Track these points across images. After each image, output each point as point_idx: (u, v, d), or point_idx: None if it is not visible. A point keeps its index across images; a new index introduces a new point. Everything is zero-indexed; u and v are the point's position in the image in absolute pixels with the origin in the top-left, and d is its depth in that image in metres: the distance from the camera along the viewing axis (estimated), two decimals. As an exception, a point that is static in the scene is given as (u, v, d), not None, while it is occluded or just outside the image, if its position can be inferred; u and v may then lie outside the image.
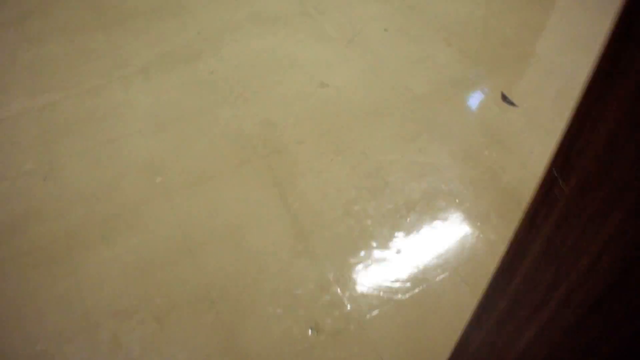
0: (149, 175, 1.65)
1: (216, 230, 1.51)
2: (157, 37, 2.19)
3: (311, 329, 1.31)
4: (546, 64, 2.13)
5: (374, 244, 1.49)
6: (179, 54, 2.10)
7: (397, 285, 1.40)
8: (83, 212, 1.56)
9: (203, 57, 2.08)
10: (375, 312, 1.34)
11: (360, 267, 1.44)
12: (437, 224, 1.55)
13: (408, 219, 1.55)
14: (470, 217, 1.57)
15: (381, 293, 1.38)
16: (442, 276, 1.42)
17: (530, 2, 2.47)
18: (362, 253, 1.47)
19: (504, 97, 1.95)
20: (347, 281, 1.41)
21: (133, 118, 1.84)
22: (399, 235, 1.51)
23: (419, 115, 1.85)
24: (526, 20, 2.38)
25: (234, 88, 1.94)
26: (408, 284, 1.40)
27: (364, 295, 1.38)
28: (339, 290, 1.39)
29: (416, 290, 1.39)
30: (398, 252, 1.47)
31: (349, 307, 1.36)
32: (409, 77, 2.01)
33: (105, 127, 1.81)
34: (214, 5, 2.36)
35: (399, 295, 1.38)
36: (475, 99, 1.93)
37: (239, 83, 1.96)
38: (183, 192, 1.60)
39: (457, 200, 1.61)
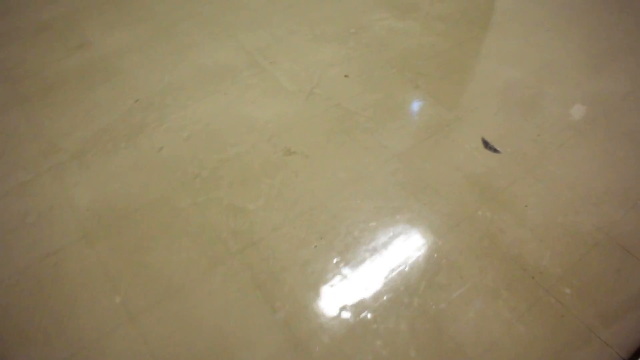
0: (105, 295, 1.44)
1: (198, 356, 1.33)
2: (89, 111, 1.96)
3: None
4: (520, 97, 2.09)
5: (381, 347, 1.36)
6: (118, 129, 1.89)
7: (416, 396, 1.28)
8: (33, 356, 1.33)
9: (147, 130, 1.88)
10: None
11: (371, 379, 1.31)
12: (445, 309, 1.44)
13: (413, 307, 1.44)
14: (479, 294, 1.48)
15: (401, 409, 1.26)
16: (463, 376, 1.32)
17: (490, 29, 2.44)
18: (370, 358, 1.34)
19: (486, 144, 1.88)
20: (360, 400, 1.27)
21: (73, 220, 1.62)
22: (407, 328, 1.39)
23: (402, 178, 1.75)
24: (490, 48, 2.34)
25: (188, 167, 1.75)
26: (429, 393, 1.28)
27: (382, 416, 1.25)
28: (353, 414, 1.25)
29: (439, 399, 1.28)
30: (410, 351, 1.35)
31: None
32: (382, 131, 1.90)
33: (40, 237, 1.58)
34: (149, 64, 2.16)
35: (422, 409, 1.26)
36: (456, 150, 1.85)
37: (194, 159, 1.78)
38: (150, 312, 1.41)
39: (460, 276, 1.51)
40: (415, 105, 2.00)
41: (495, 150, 1.87)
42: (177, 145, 1.82)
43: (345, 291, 1.46)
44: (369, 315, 1.41)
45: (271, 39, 2.30)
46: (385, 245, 1.56)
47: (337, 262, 1.51)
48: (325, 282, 1.47)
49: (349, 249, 1.55)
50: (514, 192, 1.75)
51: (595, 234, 1.67)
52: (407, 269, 1.52)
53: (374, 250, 1.55)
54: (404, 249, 1.56)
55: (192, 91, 2.03)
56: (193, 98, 2.00)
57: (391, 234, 1.59)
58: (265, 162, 1.77)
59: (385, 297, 1.45)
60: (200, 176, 1.72)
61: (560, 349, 1.41)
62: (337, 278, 1.48)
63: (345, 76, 2.12)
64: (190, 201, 1.65)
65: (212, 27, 2.36)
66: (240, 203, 1.65)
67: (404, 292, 1.47)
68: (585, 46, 2.43)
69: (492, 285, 1.51)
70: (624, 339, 1.45)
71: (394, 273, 1.50)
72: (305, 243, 1.55)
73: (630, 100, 2.16)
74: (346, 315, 1.41)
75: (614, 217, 1.72)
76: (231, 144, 1.83)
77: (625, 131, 2.02)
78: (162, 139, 1.85)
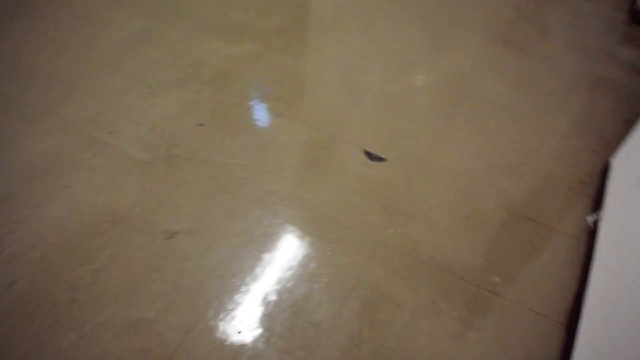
0: None
1: None
2: None
3: None
4: (383, 96, 2.18)
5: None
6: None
7: None
8: None
9: (-15, 265, 1.61)
10: None
11: None
12: (395, 346, 1.45)
13: (365, 357, 1.42)
14: (421, 316, 1.51)
15: None
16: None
17: (329, 31, 2.50)
18: None
19: (369, 155, 1.93)
20: None
21: None
22: (369, 387, 1.38)
23: (301, 222, 1.72)
24: (336, 51, 2.39)
25: (56, 294, 1.54)
26: None
27: None
28: None
29: None
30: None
31: None
32: (262, 175, 1.85)
33: None
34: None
35: None
36: (343, 172, 1.87)
37: (60, 282, 1.56)
38: None
39: (397, 305, 1.53)
40: (286, 136, 1.98)
41: (380, 159, 1.92)
42: (31, 271, 1.59)
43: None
44: (325, 388, 1.37)
45: (100, 105, 2.10)
46: (311, 302, 1.53)
47: (270, 341, 1.44)
48: (265, 369, 1.40)
49: (276, 321, 1.48)
50: (414, 197, 1.81)
51: (499, 212, 1.80)
52: (343, 319, 1.49)
53: (302, 313, 1.50)
54: (332, 299, 1.54)
55: (26, 197, 1.78)
56: (31, 206, 1.76)
57: (314, 287, 1.56)
58: (147, 256, 1.62)
59: (332, 357, 1.42)
60: (76, 301, 1.52)
61: (513, 341, 1.49)
62: (278, 357, 1.41)
63: (200, 125, 2.02)
64: (75, 335, 1.45)
65: (21, 110, 2.09)
66: (137, 314, 1.49)
67: (351, 344, 1.45)
68: (424, 27, 2.60)
69: (429, 303, 1.55)
70: (558, 306, 1.59)
71: (334, 329, 1.47)
72: (228, 333, 1.46)
73: (481, 70, 2.37)
74: (301, 398, 1.35)
75: (508, 190, 1.87)
76: (98, 247, 1.64)
77: (488, 101, 2.21)
78: (10, 270, 1.60)
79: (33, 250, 1.63)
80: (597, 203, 1.82)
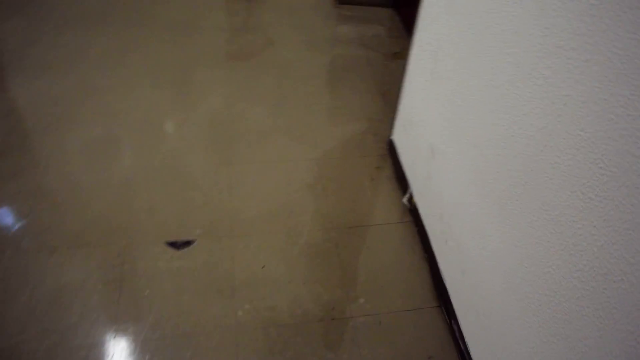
0: None
1: None
2: None
3: None
4: (145, 174, 2.04)
5: None
6: None
7: None
8: None
9: None
10: None
11: None
12: None
13: None
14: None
15: None
16: None
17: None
18: None
19: (174, 244, 1.80)
20: None
21: None
22: None
23: (144, 357, 1.52)
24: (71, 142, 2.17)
25: None
26: None
27: None
28: None
29: None
30: None
31: None
32: (68, 334, 1.58)
33: None
34: None
35: None
36: (158, 276, 1.70)
37: None
38: None
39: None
40: (72, 272, 1.73)
41: (188, 243, 1.80)
42: None
43: None
44: None
45: None
46: None
47: None
48: None
49: None
50: (242, 265, 1.75)
51: (327, 235, 1.84)
52: None
53: None
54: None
55: None
56: None
57: (198, 423, 1.40)
58: None
59: None
60: None
61: (408, 348, 1.55)
62: None
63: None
64: None
65: None
66: None
67: None
68: (157, 81, 2.50)
69: (311, 350, 1.52)
70: (423, 293, 1.69)
71: None
72: None
73: (235, 102, 2.38)
74: None
75: (323, 210, 1.93)
76: None
77: (256, 131, 2.23)
78: None
79: None
80: (402, 182, 1.97)
